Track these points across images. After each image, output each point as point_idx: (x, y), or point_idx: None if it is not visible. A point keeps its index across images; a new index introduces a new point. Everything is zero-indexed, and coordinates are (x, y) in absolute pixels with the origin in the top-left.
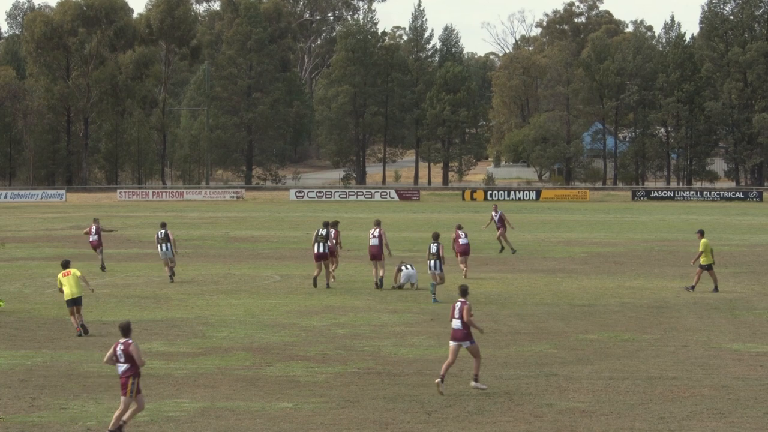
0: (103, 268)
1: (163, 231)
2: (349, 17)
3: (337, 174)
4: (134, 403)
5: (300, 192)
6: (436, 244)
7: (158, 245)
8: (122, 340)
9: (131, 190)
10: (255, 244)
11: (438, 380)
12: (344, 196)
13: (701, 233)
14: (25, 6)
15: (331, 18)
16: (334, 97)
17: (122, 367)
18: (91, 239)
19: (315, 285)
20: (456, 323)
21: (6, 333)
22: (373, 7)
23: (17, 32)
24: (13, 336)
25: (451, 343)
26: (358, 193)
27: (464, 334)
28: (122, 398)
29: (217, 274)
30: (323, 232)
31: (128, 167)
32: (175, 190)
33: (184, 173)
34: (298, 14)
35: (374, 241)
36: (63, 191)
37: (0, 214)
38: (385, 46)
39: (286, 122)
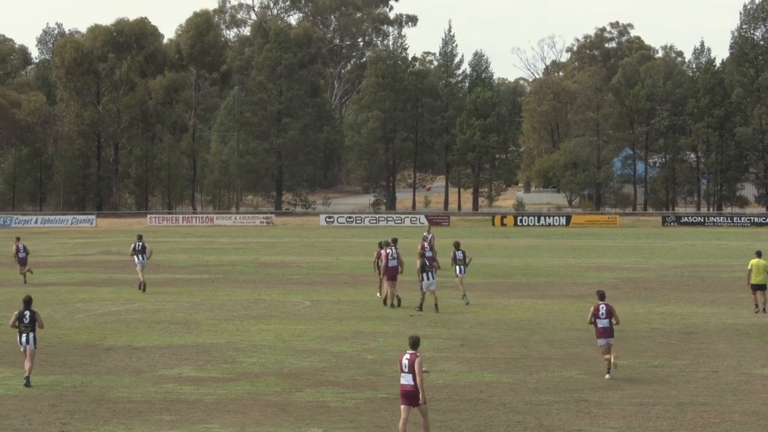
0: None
1: (141, 243)
2: (379, 43)
3: (367, 199)
4: None
5: (330, 217)
6: (460, 252)
7: (135, 255)
8: None
9: (161, 216)
10: (285, 270)
11: None
12: (374, 221)
13: (758, 254)
14: (56, 32)
15: (361, 43)
16: (364, 122)
17: None
18: (19, 256)
19: (386, 304)
20: (406, 378)
21: (36, 358)
22: (403, 33)
23: (48, 58)
24: (44, 361)
25: (402, 406)
26: (388, 219)
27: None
28: None
29: (247, 300)
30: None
31: (158, 192)
32: (205, 216)
33: (214, 198)
34: (329, 40)
35: (393, 263)
36: (93, 216)
37: (30, 240)
38: (415, 71)
39: (316, 147)
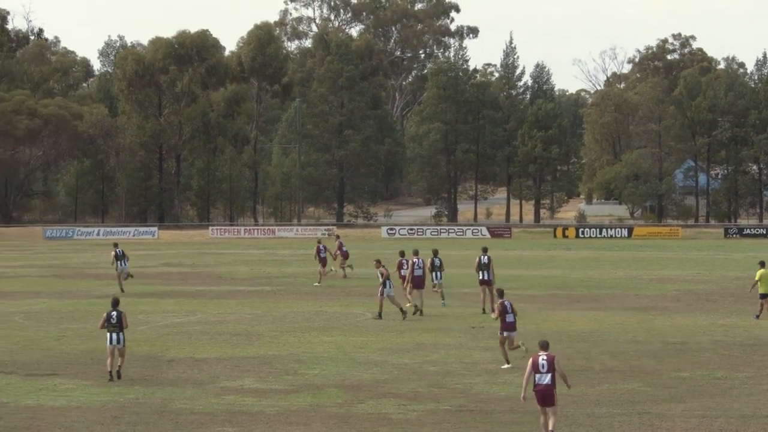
0: None
1: (121, 250)
2: (440, 54)
3: (429, 211)
4: None
5: (392, 229)
6: (438, 259)
7: (117, 261)
8: None
9: (223, 228)
10: (346, 282)
11: None
12: (436, 233)
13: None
14: (117, 44)
15: (423, 55)
16: (426, 134)
17: None
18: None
19: (483, 311)
20: (544, 378)
21: (99, 370)
22: (464, 45)
23: (109, 70)
24: (107, 373)
25: (539, 407)
26: (450, 231)
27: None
28: None
29: (309, 312)
30: (485, 259)
31: (220, 204)
32: (266, 228)
33: (276, 210)
34: (390, 52)
35: (419, 272)
36: (155, 228)
37: (93, 251)
38: (476, 83)
39: (378, 159)
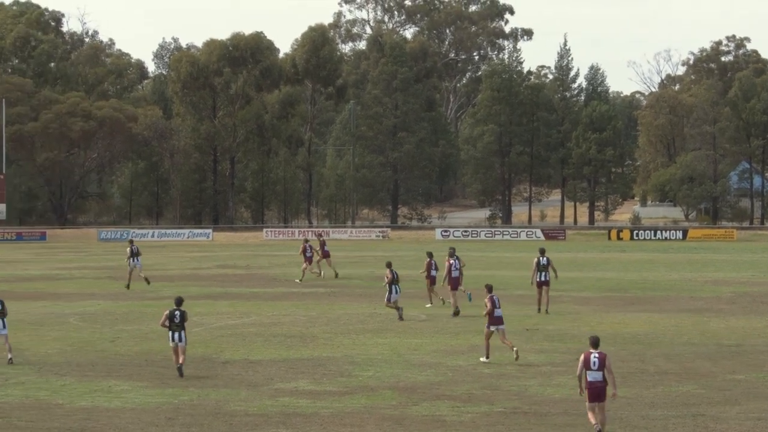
0: None
1: (135, 247)
2: (494, 56)
3: (483, 213)
4: None
5: (446, 231)
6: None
7: (131, 258)
8: None
9: (277, 230)
10: (400, 284)
11: None
12: (490, 235)
13: None
14: (172, 46)
15: (477, 57)
16: (480, 136)
17: None
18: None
19: (539, 311)
20: (596, 376)
21: (153, 371)
22: (518, 47)
23: (164, 72)
24: (161, 374)
25: (589, 404)
26: (504, 233)
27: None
28: None
29: (363, 314)
30: (544, 261)
31: (274, 206)
32: (321, 230)
33: (330, 212)
34: (444, 54)
35: (455, 273)
36: (209, 230)
37: (147, 253)
38: (530, 85)
39: (432, 161)
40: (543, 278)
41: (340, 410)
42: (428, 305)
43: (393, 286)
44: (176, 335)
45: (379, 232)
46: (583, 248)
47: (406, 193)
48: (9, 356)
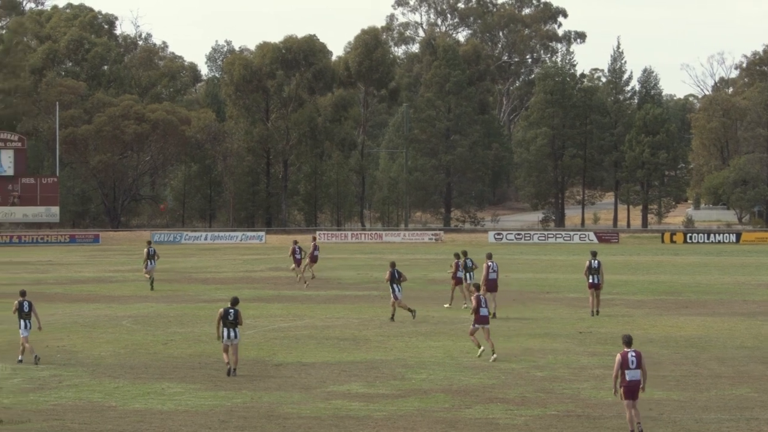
0: None
1: (152, 249)
2: (547, 59)
3: (536, 216)
4: None
5: (499, 234)
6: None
7: (148, 260)
8: None
9: (330, 232)
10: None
11: None
12: (543, 238)
13: None
14: (225, 49)
15: (530, 60)
16: (533, 139)
17: None
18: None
19: (593, 314)
20: (634, 374)
21: (207, 374)
22: (571, 49)
23: (217, 75)
24: (214, 377)
25: (627, 401)
26: (557, 236)
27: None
28: None
29: (416, 317)
30: (595, 263)
31: (327, 209)
32: (373, 232)
33: (383, 215)
34: (497, 57)
35: (493, 275)
36: (262, 233)
37: (201, 256)
38: (583, 88)
39: (485, 164)
40: (594, 281)
41: (393, 413)
42: (446, 305)
43: (394, 286)
44: (231, 332)
45: (432, 235)
46: (636, 251)
47: (459, 196)
48: (34, 354)
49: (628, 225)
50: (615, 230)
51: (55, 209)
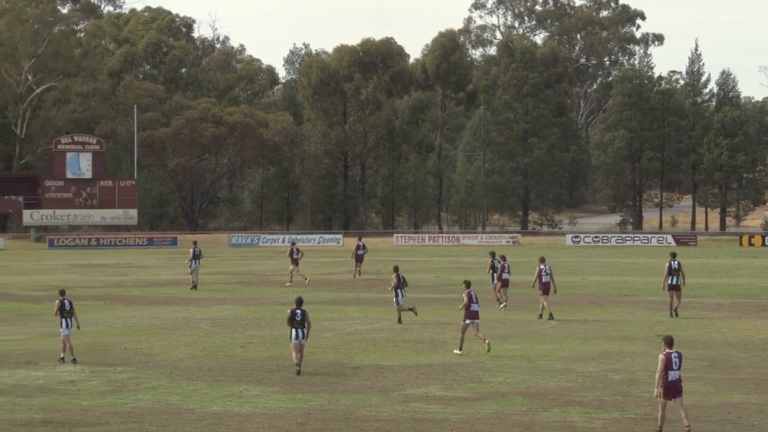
0: None
1: (198, 249)
2: (625, 62)
3: (614, 219)
4: None
5: (576, 237)
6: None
7: (193, 260)
8: None
9: (407, 235)
10: (530, 289)
11: None
12: (620, 241)
13: None
14: (302, 52)
15: (607, 63)
16: (611, 141)
17: None
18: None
19: (671, 315)
20: (677, 375)
21: (284, 376)
22: (649, 52)
23: (294, 78)
24: (291, 379)
25: (666, 400)
26: (635, 238)
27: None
28: None
29: (493, 319)
30: (675, 265)
31: (404, 212)
32: (451, 235)
33: (460, 218)
34: (574, 59)
35: (547, 278)
36: (340, 236)
37: (278, 258)
38: (661, 90)
39: (563, 167)
40: (674, 282)
41: (471, 416)
42: (499, 306)
43: (398, 291)
44: (299, 332)
45: (510, 237)
46: (714, 254)
47: (537, 199)
48: (72, 357)
49: (706, 228)
50: (693, 233)
51: (133, 212)
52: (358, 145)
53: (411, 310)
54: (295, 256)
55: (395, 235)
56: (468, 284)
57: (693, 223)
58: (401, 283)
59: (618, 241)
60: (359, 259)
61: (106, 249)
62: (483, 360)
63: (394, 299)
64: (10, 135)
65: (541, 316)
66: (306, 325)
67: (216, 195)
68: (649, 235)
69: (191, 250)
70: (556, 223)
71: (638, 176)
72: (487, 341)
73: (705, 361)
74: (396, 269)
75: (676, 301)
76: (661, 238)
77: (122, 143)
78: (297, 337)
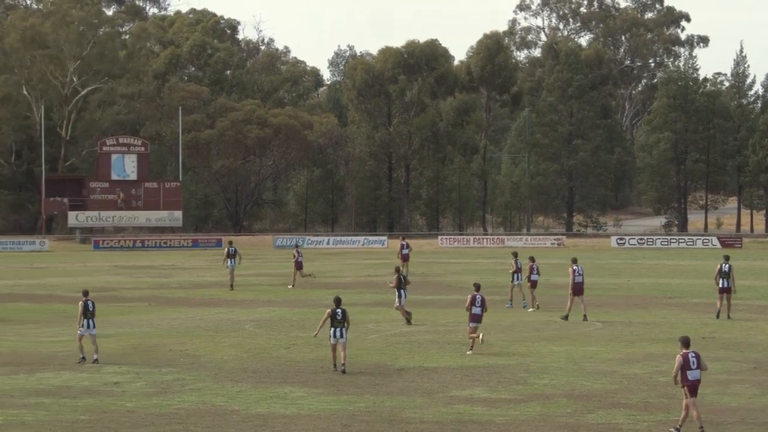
0: None
1: (233, 248)
2: (670, 63)
3: (659, 221)
4: None
5: (621, 239)
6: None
7: (228, 259)
8: None
9: (452, 237)
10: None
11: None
12: (666, 243)
13: None
14: (347, 54)
15: (652, 64)
16: (655, 143)
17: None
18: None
19: (718, 317)
20: (697, 374)
21: (329, 378)
22: (694, 54)
23: (339, 79)
24: (336, 381)
25: (692, 399)
26: (680, 240)
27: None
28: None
29: (537, 321)
30: (726, 267)
31: (449, 214)
32: (495, 237)
33: (505, 220)
34: (619, 61)
35: (579, 279)
36: (384, 238)
37: (323, 260)
38: (706, 92)
39: (607, 169)
40: (724, 284)
41: (516, 418)
42: (531, 309)
43: (400, 291)
44: (337, 332)
45: (555, 239)
46: (760, 256)
47: (582, 201)
48: (95, 357)
49: (752, 230)
50: (738, 235)
51: (178, 213)
52: (403, 147)
53: (407, 313)
54: (299, 259)
55: (440, 237)
56: (477, 287)
57: (738, 225)
58: (402, 283)
59: (663, 243)
60: (405, 258)
61: (150, 251)
62: (528, 362)
63: (397, 299)
64: (55, 137)
65: (585, 317)
66: (346, 324)
67: (261, 197)
68: (694, 238)
69: (225, 250)
70: (600, 225)
71: (683, 178)
72: (481, 337)
73: (750, 363)
74: (397, 270)
75: (726, 303)
76: (706, 240)
77: (167, 145)
78: (335, 336)
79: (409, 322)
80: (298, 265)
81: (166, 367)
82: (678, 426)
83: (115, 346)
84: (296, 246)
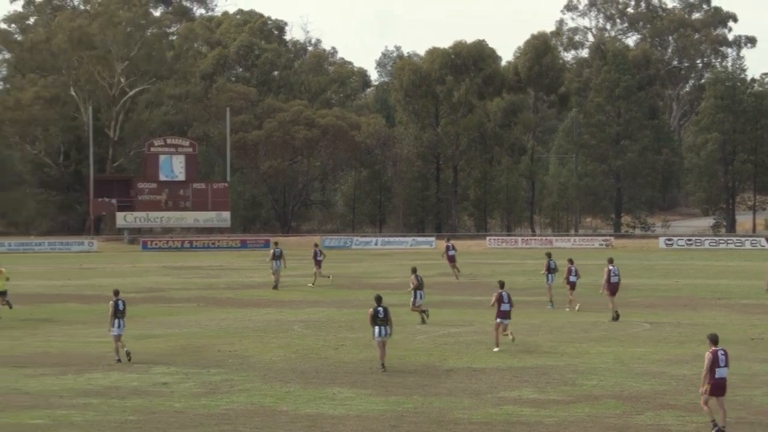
0: None
1: (279, 249)
2: (717, 64)
3: (707, 222)
4: None
5: (669, 240)
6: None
7: (273, 261)
8: None
9: (500, 238)
10: (624, 292)
11: None
12: (714, 244)
13: None
14: (394, 54)
15: (700, 65)
16: (703, 144)
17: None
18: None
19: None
20: (724, 372)
21: (377, 379)
22: (741, 54)
23: (386, 80)
24: (385, 382)
25: (716, 398)
26: (728, 241)
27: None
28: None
29: (586, 322)
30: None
31: (497, 214)
32: (543, 238)
33: (553, 220)
34: (667, 61)
35: (615, 279)
36: (432, 238)
37: (371, 261)
38: (754, 92)
39: (655, 169)
40: (420, 297)
41: (564, 419)
42: (568, 309)
43: (417, 292)
44: (382, 330)
45: (603, 240)
46: None
47: (629, 202)
48: (125, 349)
49: None
50: None
51: (226, 214)
52: (450, 148)
53: (423, 312)
54: (318, 258)
55: (488, 238)
56: (501, 285)
57: None
58: (420, 284)
59: (711, 244)
60: (451, 259)
61: (199, 251)
62: (576, 363)
63: (413, 300)
64: (103, 137)
65: (617, 315)
66: (388, 322)
67: (308, 197)
68: (743, 238)
69: (271, 251)
70: (648, 226)
71: (731, 179)
72: (511, 335)
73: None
74: (414, 270)
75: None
76: (755, 241)
77: (215, 146)
78: (380, 334)
79: (424, 321)
80: (318, 264)
81: (215, 367)
82: (721, 426)
83: (163, 347)
84: (316, 245)
